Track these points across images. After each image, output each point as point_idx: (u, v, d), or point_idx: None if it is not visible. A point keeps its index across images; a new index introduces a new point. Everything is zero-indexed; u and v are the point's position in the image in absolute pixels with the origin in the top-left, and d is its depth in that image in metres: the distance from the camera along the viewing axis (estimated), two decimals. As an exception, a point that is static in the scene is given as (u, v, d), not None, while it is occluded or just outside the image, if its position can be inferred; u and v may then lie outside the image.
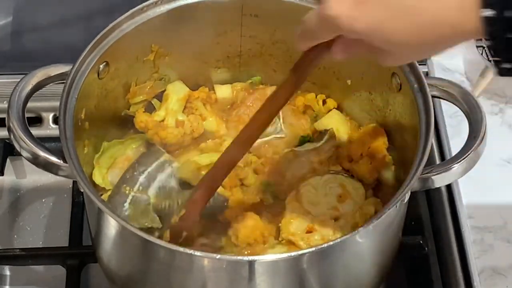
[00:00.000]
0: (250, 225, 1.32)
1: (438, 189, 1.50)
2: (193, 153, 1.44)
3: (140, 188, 1.35)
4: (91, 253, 1.39)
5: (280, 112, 1.44)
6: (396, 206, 1.22)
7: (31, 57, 1.63)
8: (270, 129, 1.44)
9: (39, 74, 1.33)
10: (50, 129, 1.65)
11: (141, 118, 1.43)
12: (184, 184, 1.37)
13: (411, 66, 1.33)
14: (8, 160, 1.61)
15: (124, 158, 1.42)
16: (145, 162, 1.38)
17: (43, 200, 1.58)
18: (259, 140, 1.41)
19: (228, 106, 1.50)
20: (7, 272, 1.49)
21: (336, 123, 1.47)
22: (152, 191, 1.36)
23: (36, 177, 1.59)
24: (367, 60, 1.40)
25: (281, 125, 1.45)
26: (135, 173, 1.36)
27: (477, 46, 1.62)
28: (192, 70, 1.50)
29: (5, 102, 1.62)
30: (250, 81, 1.52)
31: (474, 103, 1.31)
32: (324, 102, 1.51)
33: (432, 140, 1.28)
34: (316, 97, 1.51)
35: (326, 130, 1.44)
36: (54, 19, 1.60)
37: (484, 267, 1.43)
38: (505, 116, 1.64)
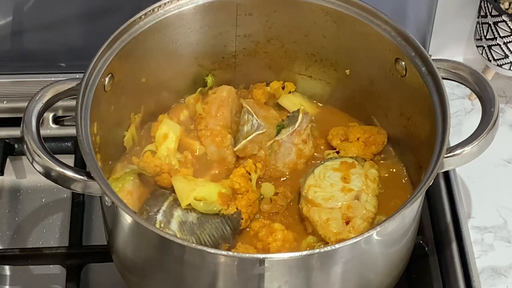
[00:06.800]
0: (280, 238, 1.32)
1: (438, 189, 1.50)
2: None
3: (162, 225, 1.33)
4: (91, 253, 1.39)
5: (250, 109, 1.44)
6: (419, 198, 1.20)
7: (31, 57, 1.63)
8: (246, 127, 1.43)
9: (49, 92, 1.30)
10: (50, 129, 1.65)
11: (155, 163, 1.38)
12: (202, 217, 1.34)
13: (416, 50, 1.32)
14: (8, 160, 1.60)
15: (126, 193, 1.38)
16: (155, 204, 1.35)
17: (43, 200, 1.58)
18: (243, 141, 1.41)
19: (192, 126, 1.48)
20: (7, 272, 1.49)
21: (300, 101, 1.51)
22: (174, 226, 1.33)
23: (36, 177, 1.58)
24: (367, 47, 1.39)
25: (257, 121, 1.43)
26: (151, 214, 1.34)
27: (477, 46, 1.62)
28: (187, 75, 1.49)
29: (5, 102, 1.63)
30: (200, 89, 1.50)
31: (484, 82, 1.30)
32: (283, 87, 1.53)
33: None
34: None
35: (296, 111, 1.44)
36: (54, 19, 1.60)
37: (484, 267, 1.44)
38: (505, 116, 1.64)
